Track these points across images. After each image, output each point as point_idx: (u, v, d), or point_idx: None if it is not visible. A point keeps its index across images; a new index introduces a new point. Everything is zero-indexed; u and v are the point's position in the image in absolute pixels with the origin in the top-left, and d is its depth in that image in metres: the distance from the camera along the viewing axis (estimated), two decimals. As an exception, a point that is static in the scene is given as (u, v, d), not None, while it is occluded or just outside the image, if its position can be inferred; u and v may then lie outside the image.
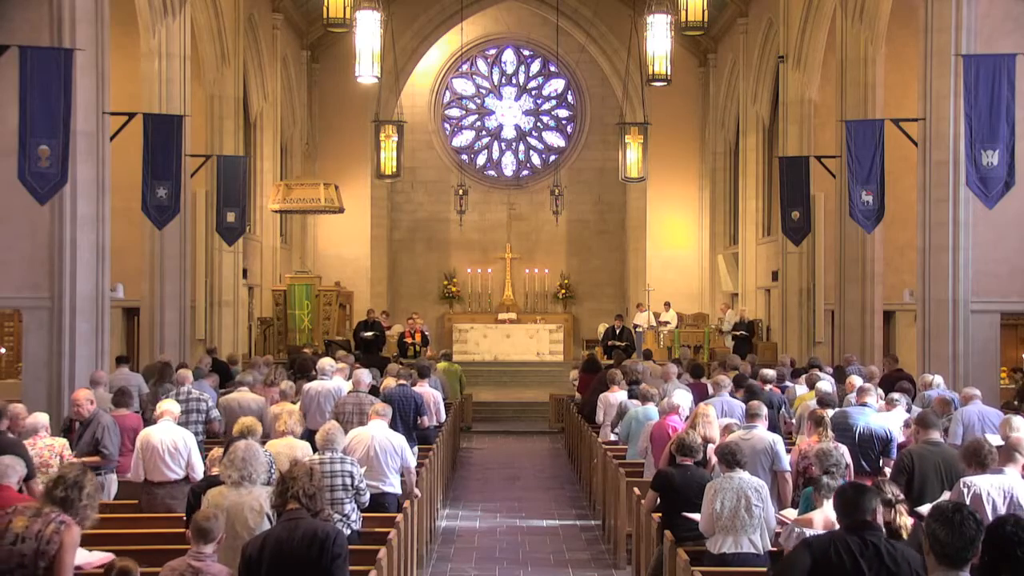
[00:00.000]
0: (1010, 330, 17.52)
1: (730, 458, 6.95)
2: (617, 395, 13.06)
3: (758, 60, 24.08)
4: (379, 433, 8.83)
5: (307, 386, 11.72)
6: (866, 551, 4.77)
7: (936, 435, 7.68)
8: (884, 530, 5.06)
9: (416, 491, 9.31)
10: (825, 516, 6.11)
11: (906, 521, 6.02)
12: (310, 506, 5.56)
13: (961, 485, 6.43)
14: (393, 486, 8.82)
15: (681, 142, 28.73)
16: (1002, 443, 6.95)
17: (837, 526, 5.89)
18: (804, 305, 20.22)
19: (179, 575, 5.43)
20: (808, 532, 6.06)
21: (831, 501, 6.12)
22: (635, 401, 12.26)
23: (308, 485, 5.59)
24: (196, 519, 5.62)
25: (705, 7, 19.79)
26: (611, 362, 17.61)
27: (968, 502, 6.21)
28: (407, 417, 11.33)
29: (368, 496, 7.92)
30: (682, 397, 10.23)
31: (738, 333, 21.65)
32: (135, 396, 10.52)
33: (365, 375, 11.06)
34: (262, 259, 24.03)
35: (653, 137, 25.87)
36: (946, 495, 6.69)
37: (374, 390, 11.65)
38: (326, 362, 12.11)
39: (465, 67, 32.28)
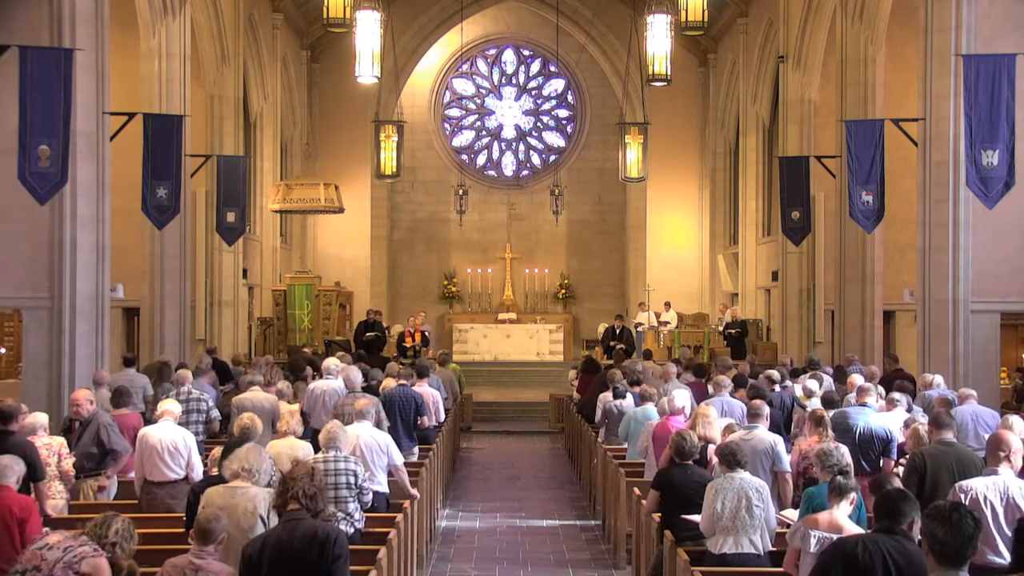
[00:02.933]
0: (1010, 330, 17.52)
1: (731, 459, 6.93)
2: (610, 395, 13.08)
3: (758, 60, 24.08)
4: (364, 432, 8.82)
5: (312, 385, 11.73)
6: (898, 553, 4.76)
7: (950, 435, 7.61)
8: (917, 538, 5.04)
9: (414, 491, 9.30)
10: (832, 516, 6.08)
11: None
12: (310, 506, 5.55)
13: (957, 489, 6.40)
14: (381, 485, 8.79)
15: (681, 142, 28.74)
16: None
17: (843, 528, 5.91)
18: (804, 305, 20.22)
19: (181, 572, 5.43)
20: (813, 532, 6.04)
21: (845, 502, 6.09)
22: (619, 401, 12.34)
23: (309, 486, 5.60)
24: (199, 520, 5.62)
25: (705, 7, 19.78)
26: (611, 362, 17.62)
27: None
28: (407, 417, 11.35)
29: (371, 495, 7.93)
30: (684, 397, 10.22)
31: (731, 332, 21.62)
32: (134, 396, 10.52)
33: (356, 376, 11.04)
34: (262, 259, 24.03)
35: (653, 137, 25.88)
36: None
37: (373, 390, 11.65)
38: (331, 362, 12.10)
39: (465, 67, 32.28)
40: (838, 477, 6.43)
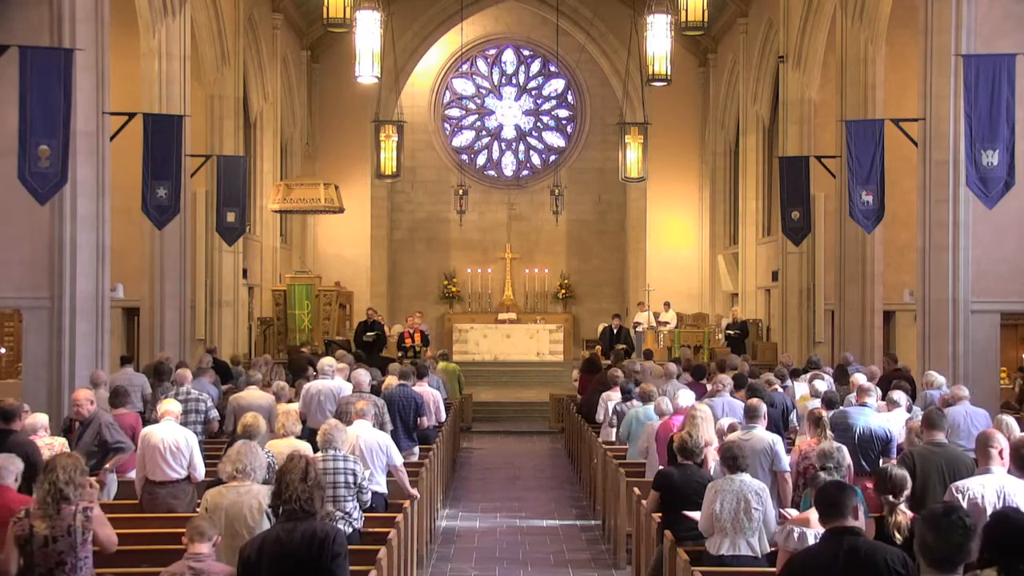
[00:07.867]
0: (1010, 330, 17.50)
1: (731, 462, 6.91)
2: (616, 395, 13.06)
3: (758, 60, 24.08)
4: (364, 433, 8.81)
5: (308, 385, 11.71)
6: (843, 555, 4.76)
7: (940, 436, 7.58)
8: (864, 530, 5.08)
9: (414, 491, 9.30)
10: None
11: (902, 520, 6.00)
12: (307, 508, 5.51)
13: (954, 490, 6.39)
14: (380, 485, 8.78)
15: (681, 142, 28.75)
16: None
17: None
18: (804, 305, 20.22)
19: (179, 578, 5.45)
20: (808, 531, 6.04)
21: None
22: (628, 403, 12.30)
23: (303, 490, 5.50)
24: (191, 524, 5.64)
25: (705, 7, 19.77)
26: (609, 362, 17.62)
27: (965, 507, 6.19)
28: (407, 417, 11.34)
29: (370, 495, 7.92)
30: (688, 397, 10.21)
31: (731, 333, 21.62)
32: (132, 396, 10.50)
33: (364, 376, 11.05)
34: (262, 259, 24.02)
35: (653, 137, 25.89)
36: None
37: (375, 390, 11.64)
38: (327, 361, 12.09)
39: (465, 67, 32.28)
40: (820, 474, 6.46)
